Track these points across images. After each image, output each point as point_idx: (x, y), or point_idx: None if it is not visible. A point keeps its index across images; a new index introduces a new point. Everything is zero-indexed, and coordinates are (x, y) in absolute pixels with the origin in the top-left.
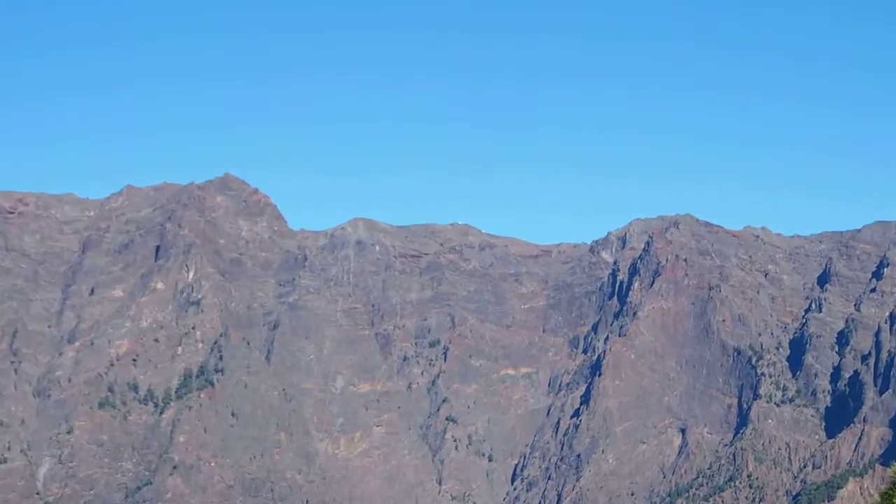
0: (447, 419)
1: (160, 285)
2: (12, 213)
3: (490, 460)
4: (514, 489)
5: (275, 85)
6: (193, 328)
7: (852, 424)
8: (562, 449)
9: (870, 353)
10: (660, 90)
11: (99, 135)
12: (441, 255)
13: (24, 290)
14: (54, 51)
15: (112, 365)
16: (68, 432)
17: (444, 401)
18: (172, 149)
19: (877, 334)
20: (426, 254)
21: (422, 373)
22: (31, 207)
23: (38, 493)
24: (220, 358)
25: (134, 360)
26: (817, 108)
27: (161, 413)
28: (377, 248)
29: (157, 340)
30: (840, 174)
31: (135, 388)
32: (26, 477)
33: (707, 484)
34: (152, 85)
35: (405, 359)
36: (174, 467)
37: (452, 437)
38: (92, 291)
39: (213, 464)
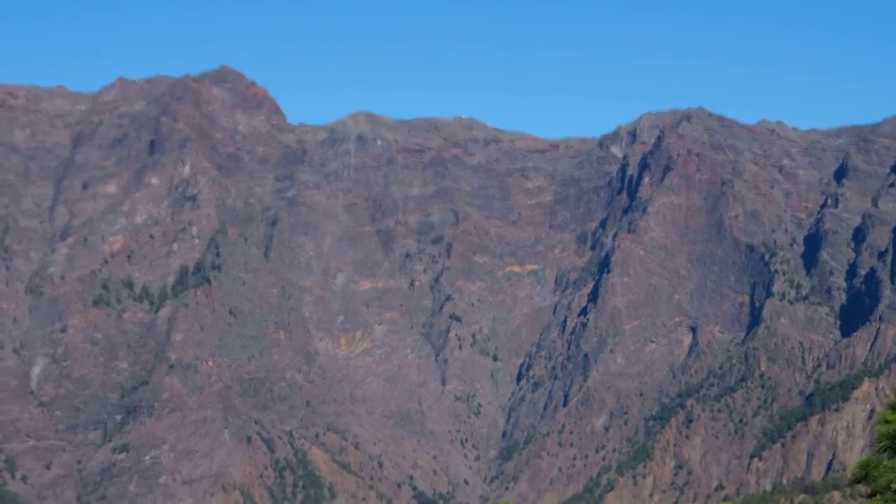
0: (451, 318)
1: (155, 180)
2: (1, 106)
3: (495, 360)
4: (520, 389)
5: None
6: (189, 224)
7: (868, 323)
8: (568, 348)
9: (887, 249)
10: None
11: (90, 23)
12: (445, 150)
13: (15, 185)
14: None
15: (106, 262)
16: (62, 331)
17: (447, 299)
18: (166, 38)
19: (895, 230)
20: (429, 148)
21: (424, 270)
22: (21, 101)
23: (31, 393)
24: (217, 255)
25: (128, 256)
26: None
27: (157, 311)
28: (379, 142)
29: (151, 237)
30: (860, 64)
31: (129, 285)
32: (19, 376)
33: (718, 384)
34: None
35: (407, 255)
36: (171, 367)
37: (456, 335)
38: (85, 187)
39: (210, 363)
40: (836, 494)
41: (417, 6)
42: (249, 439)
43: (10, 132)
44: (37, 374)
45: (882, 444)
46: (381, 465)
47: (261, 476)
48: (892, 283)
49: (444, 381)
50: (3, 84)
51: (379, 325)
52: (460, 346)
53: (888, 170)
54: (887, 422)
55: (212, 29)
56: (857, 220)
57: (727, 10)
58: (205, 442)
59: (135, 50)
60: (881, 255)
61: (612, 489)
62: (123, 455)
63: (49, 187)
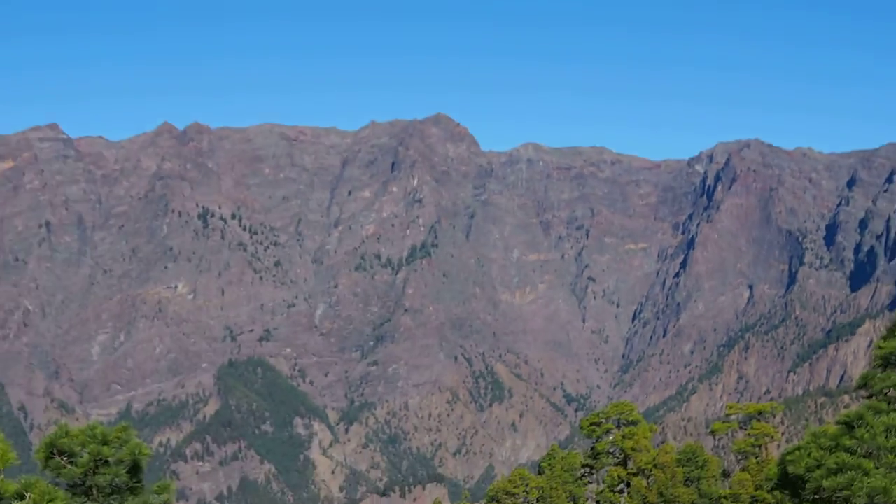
0: (588, 279)
1: (395, 189)
2: (296, 140)
3: (617, 307)
4: (634, 326)
5: (474, 36)
6: (417, 217)
7: (868, 283)
8: (666, 299)
9: (881, 234)
10: (741, 44)
11: (350, 81)
12: (585, 168)
13: (305, 192)
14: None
15: (363, 242)
16: (335, 287)
17: (586, 266)
18: (402, 89)
19: (887, 221)
20: (574, 167)
21: (571, 247)
22: (308, 137)
23: (315, 327)
24: (435, 237)
25: (378, 238)
26: (858, 54)
27: (396, 274)
28: (541, 163)
29: (393, 225)
30: (866, 104)
31: (378, 257)
32: (308, 316)
33: (766, 323)
34: (386, 42)
35: (560, 238)
36: (405, 310)
37: (592, 291)
38: (349, 193)
39: (431, 308)
40: (846, 397)
41: (565, 66)
42: (456, 358)
43: (302, 157)
44: (319, 315)
45: (876, 363)
46: (542, 375)
47: (463, 382)
48: (885, 256)
49: (583, 321)
50: (296, 125)
51: (541, 283)
52: (594, 298)
53: (883, 180)
54: (880, 348)
55: (432, 83)
56: (862, 214)
57: (783, 71)
58: (427, 360)
59: (381, 98)
60: (878, 237)
61: (694, 393)
62: (374, 367)
63: (327, 193)
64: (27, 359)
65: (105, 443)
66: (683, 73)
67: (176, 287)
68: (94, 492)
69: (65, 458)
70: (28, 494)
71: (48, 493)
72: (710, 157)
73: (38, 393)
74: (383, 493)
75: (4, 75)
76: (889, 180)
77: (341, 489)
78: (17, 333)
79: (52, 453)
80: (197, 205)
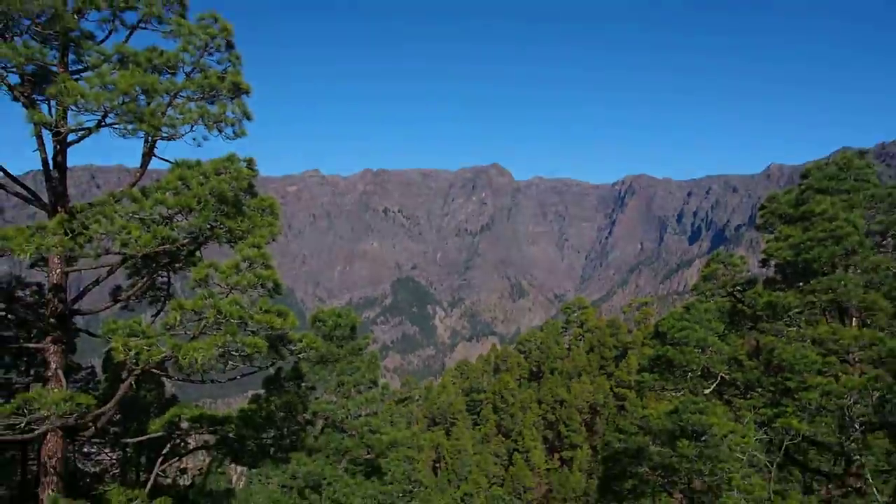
0: (565, 239)
1: (474, 198)
2: (427, 175)
3: (578, 252)
4: (587, 262)
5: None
6: (484, 211)
7: (697, 241)
8: (602, 249)
9: (703, 218)
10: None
11: (452, 146)
12: (563, 188)
13: (432, 200)
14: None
15: (459, 222)
16: (446, 244)
17: (564, 234)
18: (474, 149)
19: (706, 213)
20: (558, 187)
21: (557, 225)
22: (433, 173)
23: (437, 262)
24: (493, 221)
25: (466, 220)
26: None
27: (474, 238)
28: (542, 186)
29: (473, 215)
30: (696, 150)
31: (466, 230)
32: (433, 257)
33: (649, 260)
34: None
35: (551, 220)
36: (478, 255)
37: (567, 245)
38: (452, 200)
39: (490, 254)
40: (687, 296)
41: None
42: (503, 278)
43: (430, 184)
44: (439, 257)
45: (701, 279)
46: (543, 285)
47: (506, 288)
48: (705, 230)
49: (562, 259)
50: (426, 168)
51: (543, 242)
52: (569, 249)
53: (705, 192)
54: (702, 272)
55: (491, 140)
56: (695, 209)
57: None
58: (490, 278)
59: (466, 152)
60: (702, 220)
61: (615, 294)
62: (465, 281)
63: (441, 200)
64: (304, 278)
65: (339, 315)
66: (612, 125)
67: (373, 244)
68: (334, 338)
69: (321, 323)
70: (303, 339)
71: (313, 340)
72: (623, 182)
73: (309, 294)
74: (468, 340)
75: (291, 144)
76: (707, 193)
77: (448, 338)
78: (300, 266)
79: (315, 320)
80: (382, 206)
